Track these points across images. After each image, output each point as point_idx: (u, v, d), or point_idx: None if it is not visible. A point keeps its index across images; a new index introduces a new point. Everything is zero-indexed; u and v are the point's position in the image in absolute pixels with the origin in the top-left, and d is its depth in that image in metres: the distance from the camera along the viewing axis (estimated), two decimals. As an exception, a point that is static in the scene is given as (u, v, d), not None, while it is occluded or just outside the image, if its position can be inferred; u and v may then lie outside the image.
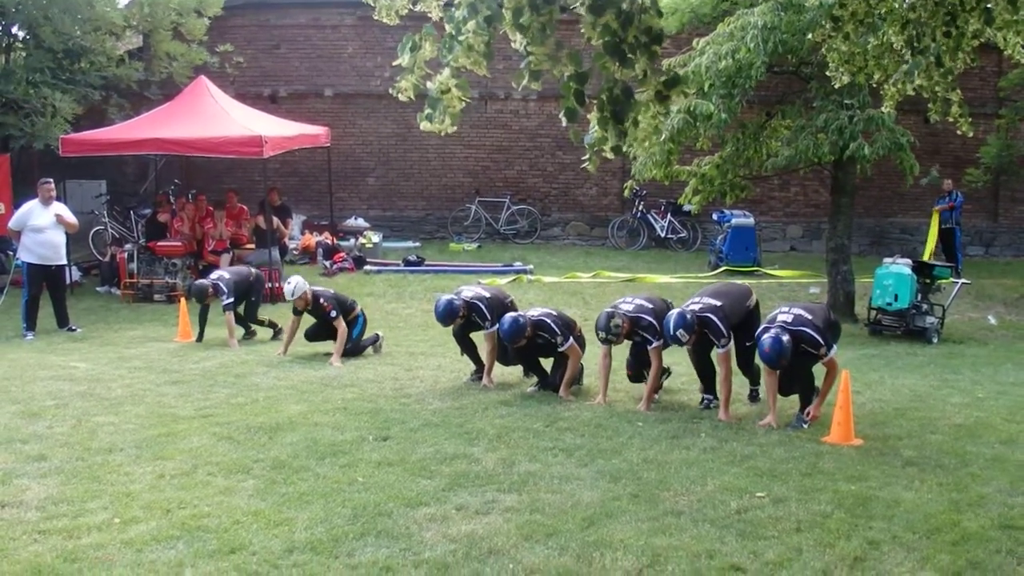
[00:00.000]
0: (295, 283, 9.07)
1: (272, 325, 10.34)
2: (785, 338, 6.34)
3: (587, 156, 4.75)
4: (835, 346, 6.60)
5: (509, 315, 7.50)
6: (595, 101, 4.48)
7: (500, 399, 7.30)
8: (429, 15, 4.98)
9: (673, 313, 6.84)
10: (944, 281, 12.21)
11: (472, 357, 8.06)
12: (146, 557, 4.29)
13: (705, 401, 7.23)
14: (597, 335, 7.12)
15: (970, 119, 7.41)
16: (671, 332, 6.73)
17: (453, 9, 4.52)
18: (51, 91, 14.38)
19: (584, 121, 4.81)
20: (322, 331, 9.21)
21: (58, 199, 11.42)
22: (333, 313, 8.97)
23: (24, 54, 15.24)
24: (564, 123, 4.47)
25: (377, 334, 9.64)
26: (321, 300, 9.02)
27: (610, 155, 4.59)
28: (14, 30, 15.62)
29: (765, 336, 6.43)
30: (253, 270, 10.77)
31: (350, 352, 9.12)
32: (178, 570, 4.16)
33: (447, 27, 4.47)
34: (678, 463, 5.71)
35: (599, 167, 4.84)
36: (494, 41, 4.51)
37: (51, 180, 11.26)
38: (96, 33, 15.19)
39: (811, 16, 9.77)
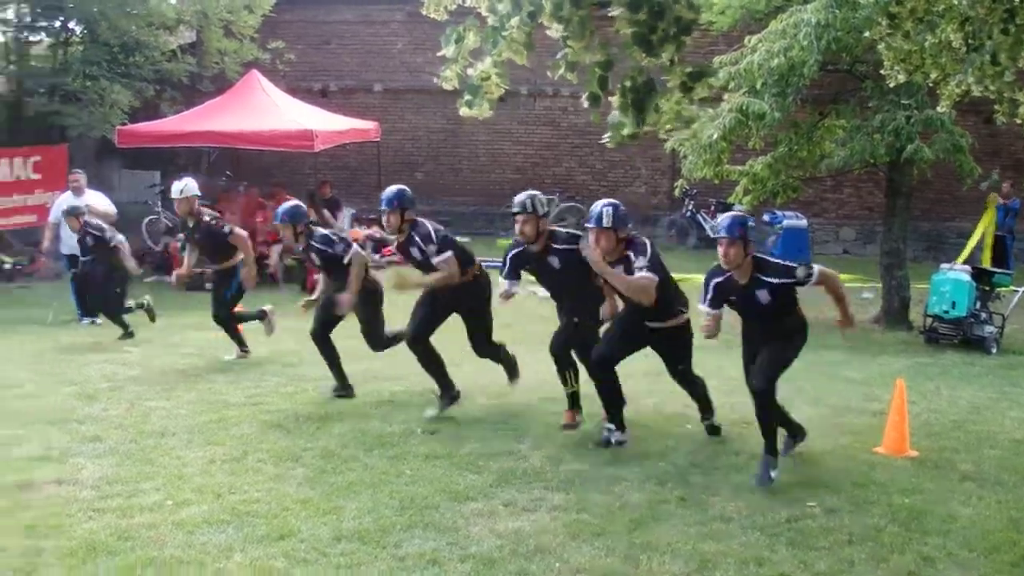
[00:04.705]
0: (184, 182, 8.48)
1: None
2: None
3: (608, 133, 4.74)
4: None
5: None
6: (619, 87, 4.49)
7: (547, 397, 7.27)
8: (477, 10, 4.99)
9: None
10: (1004, 289, 11.87)
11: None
12: (197, 539, 4.36)
13: None
14: None
15: None
16: None
17: (496, 2, 4.53)
18: (108, 83, 14.67)
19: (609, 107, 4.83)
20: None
21: (110, 190, 11.63)
22: (227, 229, 8.11)
23: (81, 48, 15.57)
24: (586, 105, 4.49)
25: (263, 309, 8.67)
26: (206, 217, 8.22)
27: (627, 140, 4.59)
28: (71, 25, 15.98)
29: None
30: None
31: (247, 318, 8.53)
32: (228, 553, 4.22)
33: (490, 20, 4.49)
34: (726, 468, 5.63)
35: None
36: (536, 34, 4.53)
37: (78, 171, 11.48)
38: (150, 28, 15.49)
39: (866, 13, 9.55)
